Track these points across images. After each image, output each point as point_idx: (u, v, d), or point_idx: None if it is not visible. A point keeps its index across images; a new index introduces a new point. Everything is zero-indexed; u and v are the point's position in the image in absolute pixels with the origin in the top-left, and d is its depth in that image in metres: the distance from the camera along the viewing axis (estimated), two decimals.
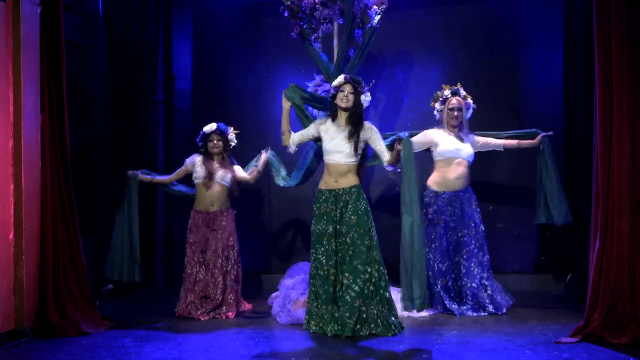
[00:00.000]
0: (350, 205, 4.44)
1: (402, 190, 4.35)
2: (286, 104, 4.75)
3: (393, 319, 4.40)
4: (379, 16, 5.00)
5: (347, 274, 4.38)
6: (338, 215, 4.46)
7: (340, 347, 4.03)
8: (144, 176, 5.41)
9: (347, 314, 4.31)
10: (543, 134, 5.11)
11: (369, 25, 4.99)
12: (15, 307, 4.24)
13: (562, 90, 5.78)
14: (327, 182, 4.54)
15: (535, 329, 4.39)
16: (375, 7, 5.01)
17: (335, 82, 4.54)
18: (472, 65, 6.14)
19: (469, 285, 5.03)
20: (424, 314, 4.96)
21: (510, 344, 4.01)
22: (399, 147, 4.36)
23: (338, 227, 4.46)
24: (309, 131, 4.66)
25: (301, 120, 4.85)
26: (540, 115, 5.89)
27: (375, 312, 4.35)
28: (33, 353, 3.97)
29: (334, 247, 4.44)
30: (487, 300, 5.00)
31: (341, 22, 5.05)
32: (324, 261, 4.44)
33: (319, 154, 4.96)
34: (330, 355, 3.85)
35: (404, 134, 4.48)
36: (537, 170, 5.13)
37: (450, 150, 5.10)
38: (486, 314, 4.96)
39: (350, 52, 5.10)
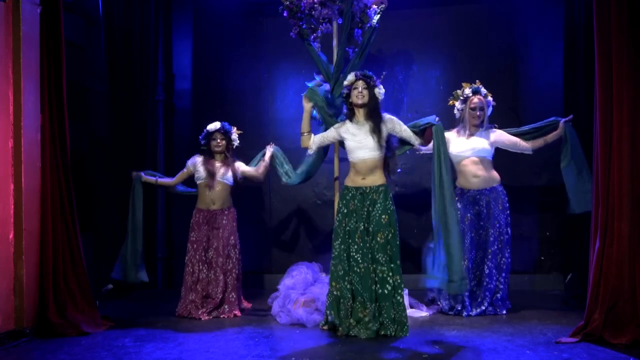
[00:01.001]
0: (378, 205, 4.40)
1: (435, 174, 4.33)
2: (307, 105, 4.71)
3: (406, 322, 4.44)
4: (379, 16, 4.99)
5: (391, 274, 4.33)
6: (365, 213, 4.43)
7: (340, 347, 4.03)
8: (148, 177, 5.42)
9: (403, 314, 4.33)
10: (563, 120, 5.03)
11: (369, 25, 4.98)
12: (15, 307, 4.24)
13: (562, 90, 5.79)
14: (354, 180, 4.49)
15: (535, 329, 4.39)
16: (374, 6, 5.00)
17: (346, 82, 4.52)
18: (472, 65, 6.14)
19: (488, 286, 4.98)
20: (424, 313, 4.97)
21: (510, 344, 4.01)
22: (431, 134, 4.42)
23: (366, 225, 4.42)
24: (330, 134, 4.63)
25: (325, 120, 4.82)
26: (541, 116, 5.86)
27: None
28: (33, 353, 3.97)
29: (367, 245, 4.39)
30: (492, 302, 4.99)
31: (340, 22, 5.05)
32: (359, 258, 4.38)
33: (321, 156, 4.99)
34: (330, 355, 3.85)
35: (432, 119, 4.44)
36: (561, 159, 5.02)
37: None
38: (487, 313, 4.95)
39: (349, 52, 5.10)
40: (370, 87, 4.45)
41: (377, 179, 4.46)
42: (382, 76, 4.67)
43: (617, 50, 3.93)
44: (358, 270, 4.37)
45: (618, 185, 3.94)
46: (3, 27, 4.23)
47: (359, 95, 4.44)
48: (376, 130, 4.42)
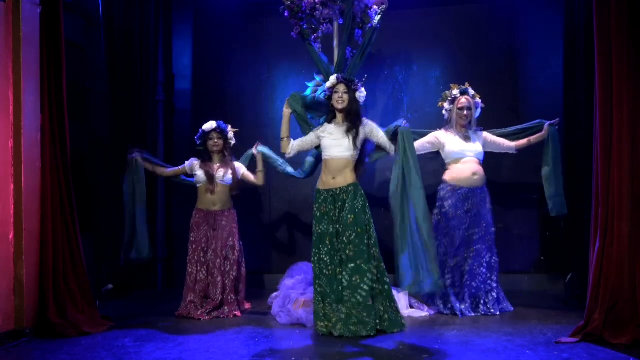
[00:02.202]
0: (347, 205, 4.44)
1: (397, 177, 4.23)
2: (287, 111, 4.75)
3: (400, 313, 4.44)
4: (379, 16, 4.99)
5: (351, 274, 4.35)
6: (337, 214, 4.47)
7: (340, 347, 4.03)
8: (145, 163, 5.40)
9: (364, 314, 4.30)
10: (548, 123, 5.07)
11: (369, 25, 4.99)
12: (15, 307, 4.24)
13: (562, 90, 5.78)
14: (324, 182, 4.54)
15: (535, 329, 4.39)
16: (375, 7, 5.00)
17: (328, 84, 4.58)
18: (472, 65, 6.14)
19: (468, 283, 5.01)
20: (424, 313, 4.97)
21: (510, 344, 4.01)
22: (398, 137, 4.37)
23: (337, 226, 4.46)
24: (310, 138, 4.69)
25: (302, 126, 4.85)
26: (540, 116, 5.85)
27: (382, 308, 4.38)
28: (33, 353, 3.97)
29: (336, 247, 4.44)
30: (482, 302, 5.00)
31: (341, 22, 5.05)
32: (328, 261, 4.43)
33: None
34: (330, 355, 3.85)
35: (400, 122, 4.44)
36: (542, 162, 5.08)
37: (456, 152, 5.09)
38: (479, 314, 4.95)
39: (349, 52, 5.10)
40: (351, 91, 4.52)
41: (347, 178, 4.49)
42: (363, 79, 4.70)
43: (617, 50, 3.93)
44: (327, 272, 4.43)
45: (618, 185, 3.94)
46: (3, 27, 4.23)
47: (339, 100, 4.51)
48: (353, 131, 4.47)
